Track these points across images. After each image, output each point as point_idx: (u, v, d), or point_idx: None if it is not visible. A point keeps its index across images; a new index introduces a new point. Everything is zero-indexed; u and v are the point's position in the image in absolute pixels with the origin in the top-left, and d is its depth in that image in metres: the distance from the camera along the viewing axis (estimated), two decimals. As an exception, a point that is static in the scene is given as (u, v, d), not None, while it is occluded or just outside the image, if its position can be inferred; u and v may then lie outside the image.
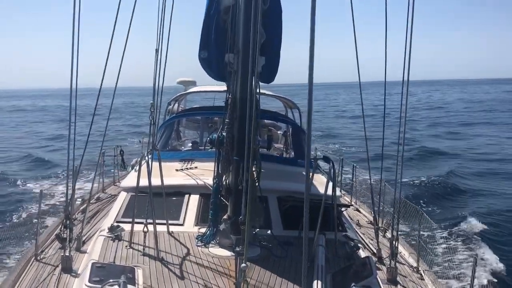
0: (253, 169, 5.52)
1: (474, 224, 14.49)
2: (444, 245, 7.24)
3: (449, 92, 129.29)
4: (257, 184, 5.68)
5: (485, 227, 14.28)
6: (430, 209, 16.10)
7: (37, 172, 21.95)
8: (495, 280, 9.95)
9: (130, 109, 73.44)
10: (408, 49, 5.47)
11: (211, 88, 11.64)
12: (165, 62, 6.21)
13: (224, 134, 6.10)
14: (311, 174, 6.33)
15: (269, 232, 6.23)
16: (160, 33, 5.99)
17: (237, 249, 5.17)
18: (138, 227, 5.89)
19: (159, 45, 6.02)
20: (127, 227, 6.10)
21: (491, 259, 11.48)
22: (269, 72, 7.03)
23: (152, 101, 5.97)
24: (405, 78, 5.62)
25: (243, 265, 4.28)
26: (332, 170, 6.47)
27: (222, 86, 8.73)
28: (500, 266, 11.22)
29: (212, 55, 6.86)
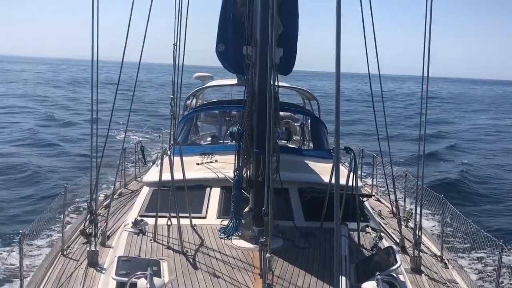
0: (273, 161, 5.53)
1: (501, 213, 14.24)
2: (469, 234, 7.14)
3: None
4: (275, 176, 5.68)
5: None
6: (452, 196, 15.86)
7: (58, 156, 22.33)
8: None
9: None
10: (427, 44, 5.44)
11: (229, 81, 11.66)
12: (183, 56, 6.23)
13: (243, 126, 6.12)
14: (331, 165, 6.32)
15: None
16: (177, 28, 6.00)
17: (261, 239, 5.19)
18: (162, 221, 5.97)
19: (176, 40, 6.04)
20: (150, 221, 6.18)
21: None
22: (287, 63, 7.02)
23: (172, 96, 6.01)
24: (425, 74, 5.60)
25: (268, 255, 4.30)
26: (353, 161, 6.44)
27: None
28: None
29: (230, 48, 6.87)
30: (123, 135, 7.31)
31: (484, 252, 7.02)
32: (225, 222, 6.19)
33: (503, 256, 5.51)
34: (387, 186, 8.68)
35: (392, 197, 7.76)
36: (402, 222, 7.39)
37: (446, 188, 17.59)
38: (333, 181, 5.94)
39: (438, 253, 6.89)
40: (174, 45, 6.09)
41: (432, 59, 5.56)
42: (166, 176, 6.02)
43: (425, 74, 5.65)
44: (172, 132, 6.37)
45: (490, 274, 8.27)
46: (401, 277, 4.83)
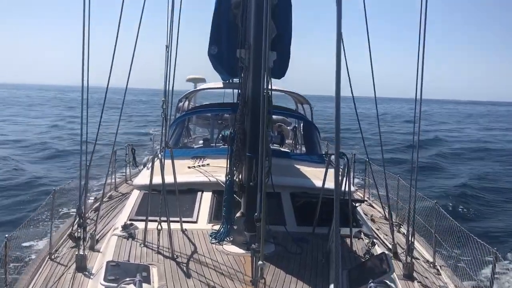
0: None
1: (494, 219, 14.28)
2: (461, 240, 7.12)
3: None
4: (267, 180, 5.61)
5: (506, 224, 14.08)
6: (446, 203, 15.93)
7: (49, 165, 22.07)
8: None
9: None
10: (420, 65, 5.47)
11: (222, 84, 11.60)
12: (175, 59, 6.15)
13: (235, 130, 6.05)
14: (324, 169, 6.27)
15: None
16: (169, 29, 5.92)
17: (253, 246, 5.11)
18: (152, 225, 5.87)
19: (169, 42, 5.96)
20: (140, 225, 6.08)
21: None
22: (280, 67, 6.96)
23: (164, 98, 5.93)
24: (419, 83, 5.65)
25: (260, 262, 4.22)
26: (346, 166, 6.39)
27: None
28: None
29: (223, 50, 6.81)
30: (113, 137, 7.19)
31: (477, 259, 7.00)
32: (217, 227, 6.11)
33: (496, 264, 5.49)
34: (378, 192, 8.64)
35: (384, 202, 7.72)
36: (395, 228, 7.36)
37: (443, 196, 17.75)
38: (326, 186, 5.94)
39: (431, 260, 6.86)
40: (167, 47, 6.01)
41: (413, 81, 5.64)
42: (157, 180, 5.93)
43: (420, 80, 5.68)
44: (163, 135, 6.28)
45: (483, 281, 8.24)
46: (394, 284, 4.78)
